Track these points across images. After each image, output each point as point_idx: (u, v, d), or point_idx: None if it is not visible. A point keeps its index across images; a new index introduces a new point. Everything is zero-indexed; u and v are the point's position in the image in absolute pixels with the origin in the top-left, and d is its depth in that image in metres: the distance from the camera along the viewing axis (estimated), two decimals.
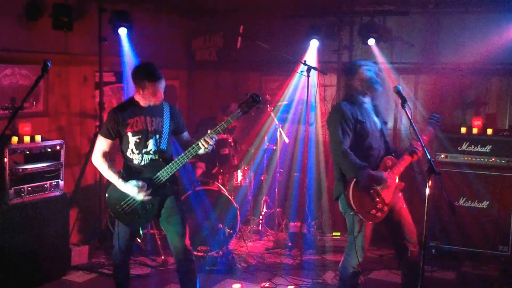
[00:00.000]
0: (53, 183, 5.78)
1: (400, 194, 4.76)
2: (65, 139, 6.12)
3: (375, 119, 4.77)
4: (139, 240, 6.27)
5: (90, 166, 6.69)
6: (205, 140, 4.47)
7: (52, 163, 5.77)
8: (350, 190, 4.53)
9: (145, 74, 4.50)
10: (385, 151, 4.76)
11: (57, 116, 6.63)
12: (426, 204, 4.22)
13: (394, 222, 4.75)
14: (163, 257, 6.34)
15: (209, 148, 4.49)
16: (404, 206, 4.77)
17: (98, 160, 4.59)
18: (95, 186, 6.99)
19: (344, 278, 4.87)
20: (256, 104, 4.57)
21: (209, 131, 4.52)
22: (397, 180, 4.70)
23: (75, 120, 6.89)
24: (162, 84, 4.53)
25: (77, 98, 6.91)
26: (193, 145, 4.53)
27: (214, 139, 4.51)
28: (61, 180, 5.85)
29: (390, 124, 7.32)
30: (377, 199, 4.56)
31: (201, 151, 4.53)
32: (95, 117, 7.03)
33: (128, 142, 4.56)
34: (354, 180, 4.52)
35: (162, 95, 4.56)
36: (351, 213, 4.57)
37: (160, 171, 4.55)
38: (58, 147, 5.80)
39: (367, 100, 4.77)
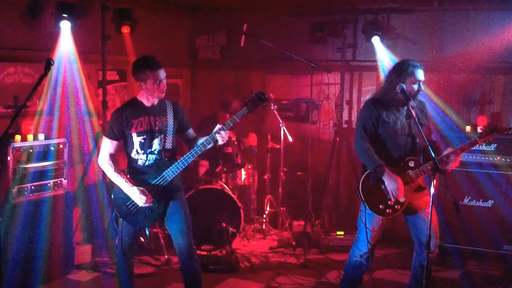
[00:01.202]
0: (56, 182, 5.76)
1: (426, 198, 4.63)
2: (68, 137, 6.10)
3: (403, 119, 4.67)
4: (143, 239, 6.34)
5: (94, 165, 6.74)
6: (212, 138, 4.46)
7: (56, 161, 5.75)
8: (361, 180, 4.62)
9: (144, 63, 4.50)
10: (412, 152, 4.68)
11: (60, 115, 6.61)
12: (431, 203, 4.22)
13: (411, 224, 4.77)
14: (166, 256, 6.33)
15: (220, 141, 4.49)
16: (427, 210, 4.60)
17: (104, 163, 4.57)
18: (99, 185, 6.96)
19: (347, 270, 4.94)
20: (262, 102, 4.56)
21: (217, 127, 4.50)
22: (420, 183, 4.66)
23: (79, 119, 6.86)
24: (163, 74, 4.51)
25: (81, 97, 6.89)
26: (199, 144, 4.52)
27: (223, 135, 4.49)
28: (65, 179, 5.84)
29: None
30: (388, 196, 4.55)
31: (210, 146, 4.52)
32: (98, 115, 7.01)
33: (132, 143, 4.55)
34: (368, 171, 4.59)
35: (165, 85, 4.54)
36: (361, 202, 4.64)
37: (166, 171, 4.54)
38: (61, 146, 5.79)
39: (401, 103, 4.67)
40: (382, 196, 4.57)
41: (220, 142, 4.52)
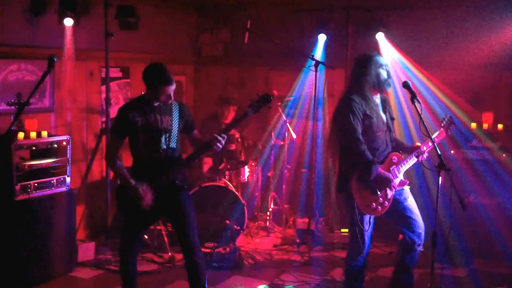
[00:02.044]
0: (60, 179, 5.75)
1: (404, 188, 4.76)
2: (71, 135, 6.09)
3: (382, 114, 4.77)
4: (146, 237, 6.33)
5: (97, 162, 6.74)
6: (216, 139, 4.44)
7: (59, 159, 5.74)
8: (353, 181, 4.57)
9: (156, 77, 4.48)
10: (391, 147, 4.78)
11: (63, 112, 6.60)
12: (436, 201, 4.20)
13: (398, 216, 4.78)
14: (170, 254, 6.31)
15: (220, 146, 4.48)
16: (409, 198, 4.78)
17: (111, 160, 4.57)
18: (102, 182, 6.95)
19: (347, 271, 4.95)
20: (267, 104, 4.55)
21: (225, 128, 4.53)
22: (402, 177, 4.72)
23: (81, 116, 6.85)
24: (172, 88, 4.51)
25: (84, 94, 6.88)
26: (204, 145, 4.53)
27: (224, 138, 4.50)
28: (68, 176, 5.82)
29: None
30: (379, 193, 4.54)
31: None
32: (101, 112, 6.99)
33: (138, 141, 4.53)
34: (358, 172, 4.55)
35: (172, 96, 4.53)
36: (352, 204, 4.61)
37: (170, 169, 4.52)
38: (64, 143, 5.77)
39: (375, 96, 4.76)
40: (373, 195, 4.57)
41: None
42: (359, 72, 4.74)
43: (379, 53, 4.82)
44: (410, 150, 4.84)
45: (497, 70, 6.98)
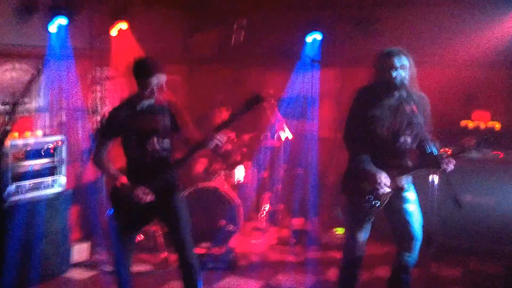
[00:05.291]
0: (54, 180, 5.72)
1: (407, 195, 4.66)
2: (66, 134, 6.06)
3: (393, 117, 4.53)
4: (141, 237, 6.30)
5: (91, 162, 6.68)
6: (211, 138, 4.42)
7: (53, 159, 5.71)
8: (344, 173, 4.61)
9: (146, 66, 4.44)
10: (398, 151, 4.59)
11: (57, 112, 6.56)
12: (432, 200, 4.20)
13: (392, 222, 4.74)
14: (165, 254, 6.28)
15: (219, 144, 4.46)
16: (405, 206, 4.63)
17: (99, 161, 4.52)
18: (97, 182, 6.91)
19: (342, 268, 4.93)
20: (258, 103, 4.51)
21: (217, 127, 4.48)
22: (400, 182, 4.61)
23: (76, 116, 6.81)
24: (163, 77, 4.46)
25: (78, 94, 6.84)
26: (198, 143, 4.49)
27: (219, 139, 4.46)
28: (63, 176, 5.79)
29: None
30: (369, 192, 4.53)
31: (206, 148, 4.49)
32: (95, 112, 6.95)
33: (129, 141, 4.49)
34: (349, 168, 4.56)
35: (164, 88, 4.49)
36: (344, 196, 4.64)
37: (163, 169, 4.49)
38: (59, 143, 5.74)
39: (390, 96, 4.53)
40: (363, 193, 4.54)
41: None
42: (374, 69, 4.57)
43: (399, 50, 4.47)
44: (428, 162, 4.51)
45: (489, 68, 6.98)
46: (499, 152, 6.30)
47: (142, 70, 4.43)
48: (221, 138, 4.45)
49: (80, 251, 6.15)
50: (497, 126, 6.43)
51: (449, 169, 4.32)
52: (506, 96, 6.93)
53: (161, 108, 4.58)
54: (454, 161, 4.39)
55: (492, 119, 6.58)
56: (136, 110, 4.50)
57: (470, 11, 6.91)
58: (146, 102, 4.52)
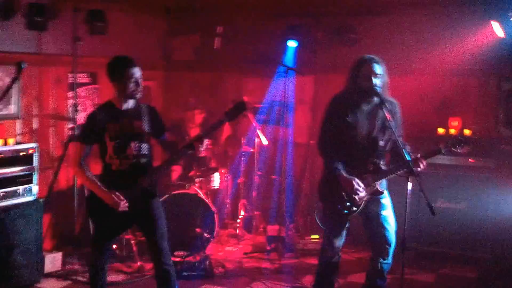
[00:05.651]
0: (26, 188, 5.64)
1: (382, 200, 4.71)
2: (38, 142, 5.98)
3: (369, 122, 4.61)
4: (114, 246, 6.24)
5: (64, 170, 6.62)
6: (195, 145, 4.41)
7: (26, 167, 5.63)
8: (321, 179, 4.69)
9: (119, 62, 4.42)
10: (374, 156, 4.65)
11: (29, 119, 6.47)
12: (406, 206, 4.23)
13: (367, 227, 4.80)
14: (139, 263, 6.23)
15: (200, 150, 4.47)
16: (385, 211, 4.72)
17: (77, 168, 4.44)
18: (69, 191, 6.83)
19: (317, 275, 4.99)
20: (242, 111, 4.51)
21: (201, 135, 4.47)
22: (378, 187, 4.66)
23: (48, 123, 6.73)
24: (139, 72, 4.43)
25: (50, 100, 6.76)
26: (178, 152, 4.49)
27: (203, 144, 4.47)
28: (35, 185, 5.71)
29: None
30: (345, 197, 4.55)
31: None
32: (68, 119, 6.87)
33: (107, 147, 4.44)
34: (328, 172, 4.63)
35: (141, 84, 4.45)
36: (321, 203, 4.70)
37: (141, 176, 4.46)
38: (31, 151, 5.66)
39: (366, 102, 4.60)
40: (340, 196, 4.58)
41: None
42: (349, 75, 4.63)
43: (375, 58, 4.55)
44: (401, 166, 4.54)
45: (465, 76, 7.07)
46: (472, 160, 6.38)
47: (119, 66, 4.40)
48: (203, 145, 4.46)
49: (52, 261, 6.05)
50: (467, 132, 6.51)
51: (420, 169, 4.44)
52: (478, 104, 7.02)
53: (139, 112, 4.54)
54: (425, 162, 4.48)
55: (465, 126, 6.66)
56: (115, 115, 4.46)
57: (448, 21, 6.98)
58: (126, 105, 4.48)
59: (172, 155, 4.60)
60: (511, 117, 6.66)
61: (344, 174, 4.53)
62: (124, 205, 4.37)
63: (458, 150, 4.63)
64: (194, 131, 7.09)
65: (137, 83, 4.42)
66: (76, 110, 6.62)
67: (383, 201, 4.71)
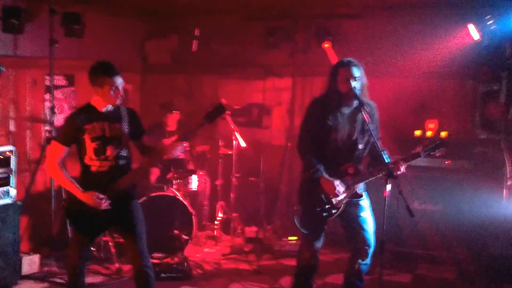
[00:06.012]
0: (3, 191, 5.59)
1: (361, 202, 4.76)
2: (15, 144, 5.94)
3: (349, 126, 4.65)
4: (92, 248, 6.21)
5: (41, 172, 6.57)
6: (174, 145, 4.42)
7: (3, 169, 5.59)
8: (300, 181, 4.72)
9: (103, 69, 4.40)
10: (353, 158, 4.70)
11: (6, 121, 6.42)
12: (385, 208, 4.28)
13: (346, 229, 4.85)
14: (117, 265, 6.21)
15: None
16: (363, 212, 4.77)
17: (54, 169, 4.42)
18: (46, 193, 6.79)
19: (295, 276, 5.04)
20: (222, 114, 4.54)
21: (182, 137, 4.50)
22: (357, 190, 4.71)
23: (25, 125, 6.69)
24: (120, 80, 4.43)
25: (27, 103, 6.71)
26: (157, 153, 4.48)
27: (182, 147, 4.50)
28: (12, 187, 5.67)
29: None
30: (324, 200, 4.59)
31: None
32: (45, 122, 6.83)
33: (86, 149, 4.42)
34: (305, 177, 4.65)
35: (121, 91, 4.46)
36: (300, 205, 4.72)
37: (121, 178, 4.45)
38: (8, 154, 5.63)
39: (346, 106, 4.64)
40: (319, 199, 4.62)
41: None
42: (328, 79, 4.68)
43: (353, 61, 4.60)
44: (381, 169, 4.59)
45: (441, 78, 7.15)
46: (449, 162, 6.46)
47: (101, 73, 4.38)
48: (183, 147, 4.50)
49: (30, 263, 6.01)
50: (443, 134, 6.60)
51: (399, 173, 4.48)
52: (455, 106, 7.11)
53: (119, 114, 4.54)
54: (405, 165, 4.55)
55: (441, 129, 6.74)
56: (94, 117, 4.45)
57: (424, 24, 7.06)
58: (106, 108, 4.48)
59: (151, 158, 4.60)
60: (487, 120, 6.74)
61: (326, 177, 4.58)
62: (105, 203, 4.37)
63: (437, 154, 4.71)
64: (171, 133, 7.09)
65: (117, 91, 4.43)
66: (53, 113, 6.59)
67: (361, 203, 4.76)
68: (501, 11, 6.16)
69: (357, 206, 4.74)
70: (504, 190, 6.16)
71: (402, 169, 4.54)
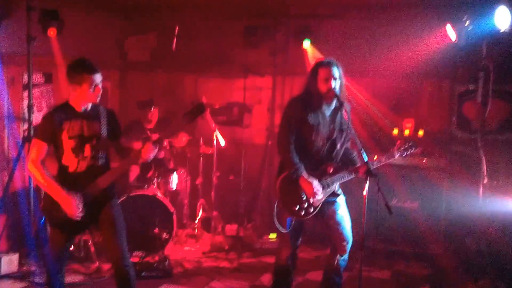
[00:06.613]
0: None
1: (337, 200, 4.80)
2: None
3: (328, 125, 4.68)
4: (71, 247, 6.17)
5: (19, 171, 6.50)
6: (147, 149, 4.39)
7: None
8: (279, 180, 4.66)
9: (81, 66, 4.36)
10: (331, 158, 4.74)
11: None
12: (364, 205, 4.32)
13: (324, 226, 4.88)
14: (97, 264, 6.18)
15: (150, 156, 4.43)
16: (340, 210, 4.80)
17: (33, 167, 4.36)
18: (24, 191, 6.72)
19: (275, 273, 5.04)
20: (201, 113, 4.52)
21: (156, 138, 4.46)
22: (335, 189, 4.75)
23: (3, 124, 6.62)
24: (99, 78, 4.39)
25: (4, 101, 6.64)
26: (135, 153, 4.46)
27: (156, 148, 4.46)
28: None
29: None
30: (303, 199, 4.62)
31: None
32: (23, 120, 6.76)
33: (63, 147, 4.39)
34: (284, 175, 4.64)
35: (100, 89, 4.43)
36: (279, 203, 4.68)
37: (98, 178, 4.43)
38: None
39: (325, 105, 4.66)
40: (297, 198, 4.64)
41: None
42: (307, 78, 4.70)
43: (332, 61, 4.62)
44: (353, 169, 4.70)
45: (418, 78, 7.24)
46: (424, 159, 6.54)
47: (79, 71, 4.34)
48: (156, 151, 4.47)
49: (9, 262, 5.96)
50: (420, 133, 6.68)
51: (374, 172, 4.52)
52: (432, 106, 7.19)
53: (97, 114, 4.51)
54: (380, 163, 4.62)
55: (418, 127, 6.82)
56: (72, 115, 4.41)
57: (402, 24, 7.14)
58: (84, 107, 4.44)
59: (130, 157, 4.56)
60: (463, 119, 6.82)
61: (305, 176, 4.61)
62: (79, 214, 4.34)
63: (413, 151, 4.77)
64: (151, 130, 7.07)
65: (96, 89, 4.40)
66: (31, 111, 6.52)
67: (338, 200, 4.81)
68: (477, 12, 6.23)
69: (333, 204, 4.78)
70: (481, 188, 6.26)
71: (375, 168, 4.60)
